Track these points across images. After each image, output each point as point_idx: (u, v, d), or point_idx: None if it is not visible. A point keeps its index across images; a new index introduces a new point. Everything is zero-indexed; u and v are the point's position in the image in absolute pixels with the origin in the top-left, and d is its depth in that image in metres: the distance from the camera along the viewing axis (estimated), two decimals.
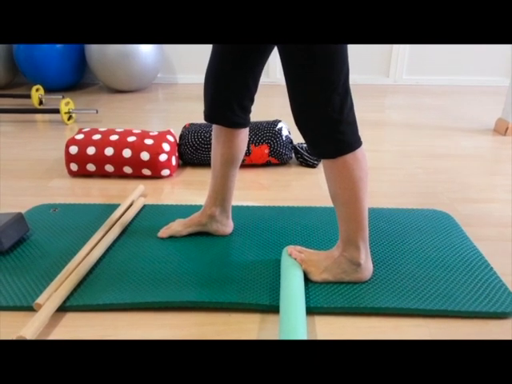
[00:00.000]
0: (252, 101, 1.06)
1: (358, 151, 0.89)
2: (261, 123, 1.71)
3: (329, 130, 0.86)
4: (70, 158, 1.57)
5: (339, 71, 0.83)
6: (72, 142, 1.59)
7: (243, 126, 1.07)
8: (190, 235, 1.19)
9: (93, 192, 1.51)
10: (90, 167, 1.57)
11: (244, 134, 1.09)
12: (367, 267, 0.99)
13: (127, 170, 1.57)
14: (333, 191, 0.94)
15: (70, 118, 2.28)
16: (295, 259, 1.01)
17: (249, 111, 1.07)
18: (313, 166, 1.71)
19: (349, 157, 0.88)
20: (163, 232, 1.19)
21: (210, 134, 1.66)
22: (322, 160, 0.93)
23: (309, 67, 0.83)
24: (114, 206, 1.35)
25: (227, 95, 1.02)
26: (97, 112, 2.32)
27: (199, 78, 3.62)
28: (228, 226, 1.20)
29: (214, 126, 1.08)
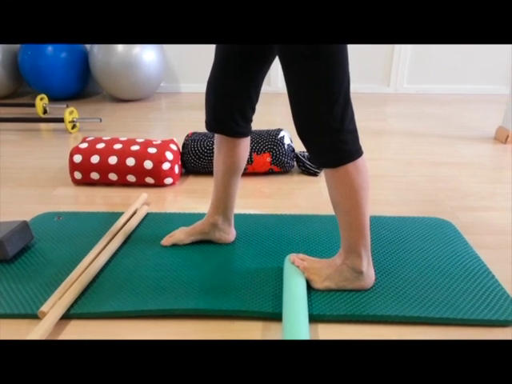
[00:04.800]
0: (253, 110, 1.07)
1: (360, 160, 0.90)
2: (263, 132, 1.73)
3: (330, 139, 0.87)
4: (74, 166, 1.59)
5: (340, 82, 0.84)
6: (76, 150, 1.61)
7: (245, 135, 1.08)
8: (193, 243, 1.20)
9: (96, 200, 1.53)
10: (94, 176, 1.59)
11: (246, 143, 1.10)
12: (369, 275, 0.99)
13: (131, 178, 1.59)
14: (334, 200, 0.95)
15: (74, 126, 2.31)
16: (298, 267, 1.02)
17: (250, 120, 1.08)
18: (314, 174, 1.72)
19: (350, 166, 0.89)
20: (166, 240, 1.20)
21: (213, 143, 1.67)
22: (323, 169, 0.94)
23: (310, 78, 0.84)
24: (118, 214, 1.36)
25: (229, 105, 1.03)
26: (101, 121, 2.34)
27: (202, 87, 3.63)
28: (230, 234, 1.20)
29: (216, 135, 1.09)
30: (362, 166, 0.91)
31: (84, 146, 1.63)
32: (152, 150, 1.59)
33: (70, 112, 2.26)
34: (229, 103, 1.03)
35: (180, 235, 1.20)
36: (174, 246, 1.19)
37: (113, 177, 1.59)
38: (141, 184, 1.61)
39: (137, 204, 1.40)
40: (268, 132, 1.72)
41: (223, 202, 1.15)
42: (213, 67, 1.03)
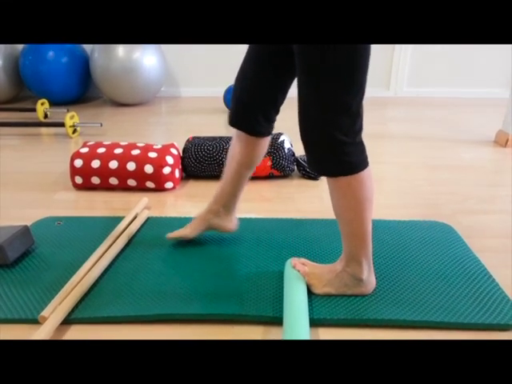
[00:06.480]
0: (277, 112, 1.06)
1: (364, 172, 0.88)
2: None
3: (333, 150, 0.86)
4: (74, 171, 1.59)
5: (354, 94, 0.83)
6: (77, 155, 1.61)
7: (265, 134, 1.08)
8: (194, 246, 1.20)
9: (97, 205, 1.53)
10: (95, 180, 1.59)
11: (265, 142, 1.10)
12: (370, 281, 0.99)
13: (131, 182, 1.59)
14: (336, 209, 0.94)
15: (74, 131, 2.31)
16: (298, 271, 1.02)
17: (273, 121, 1.07)
18: (315, 178, 1.72)
19: (353, 178, 0.87)
20: (173, 233, 1.20)
21: (213, 147, 1.68)
22: (326, 178, 0.92)
23: (323, 85, 0.82)
24: (119, 219, 1.36)
25: (253, 106, 1.03)
26: (101, 125, 2.35)
27: (202, 91, 3.64)
28: (231, 223, 1.19)
29: (237, 131, 1.09)
30: (366, 178, 0.89)
31: (85, 150, 1.63)
32: (152, 155, 1.59)
33: (70, 117, 2.27)
34: (253, 105, 1.03)
35: (185, 230, 1.20)
36: (175, 249, 1.20)
37: (113, 181, 1.59)
38: (141, 188, 1.61)
39: (137, 208, 1.40)
40: None
41: (227, 191, 1.14)
42: (242, 66, 1.03)
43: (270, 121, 1.06)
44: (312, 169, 0.92)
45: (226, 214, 1.18)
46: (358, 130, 0.87)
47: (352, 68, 0.81)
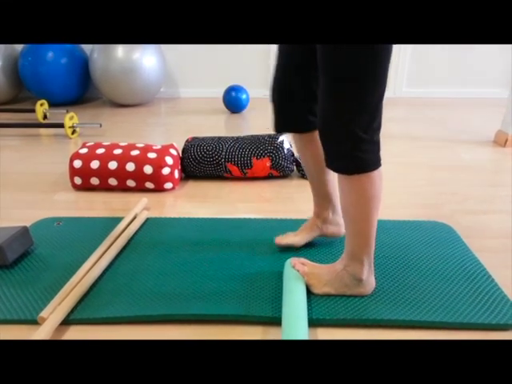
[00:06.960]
0: None
1: (376, 172, 0.89)
2: (262, 136, 1.73)
3: (350, 147, 0.85)
4: (74, 171, 1.59)
5: (373, 91, 0.83)
6: (76, 156, 1.61)
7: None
8: (193, 247, 1.20)
9: (96, 205, 1.53)
10: (94, 181, 1.59)
11: None
12: (369, 282, 0.99)
13: (130, 183, 1.59)
14: (344, 206, 0.94)
15: (74, 132, 2.31)
16: (298, 271, 1.02)
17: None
18: None
19: (365, 176, 0.88)
20: (280, 239, 1.19)
21: (213, 148, 1.68)
22: (337, 174, 0.92)
23: (343, 84, 0.82)
24: (118, 220, 1.36)
25: (296, 109, 1.02)
26: (100, 126, 2.34)
27: (201, 92, 3.64)
28: (342, 226, 1.18)
29: (293, 135, 1.09)
30: (378, 177, 0.89)
31: (84, 151, 1.63)
32: (152, 155, 1.59)
33: (70, 117, 2.27)
34: (293, 103, 1.02)
35: (294, 237, 1.18)
36: (174, 250, 1.19)
37: (113, 182, 1.59)
38: (141, 189, 1.61)
39: (137, 209, 1.40)
40: (267, 136, 1.73)
41: (326, 196, 1.13)
42: (275, 70, 1.03)
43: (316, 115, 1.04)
44: (327, 165, 0.92)
45: (333, 216, 1.16)
46: (377, 127, 0.87)
47: (372, 67, 0.81)
